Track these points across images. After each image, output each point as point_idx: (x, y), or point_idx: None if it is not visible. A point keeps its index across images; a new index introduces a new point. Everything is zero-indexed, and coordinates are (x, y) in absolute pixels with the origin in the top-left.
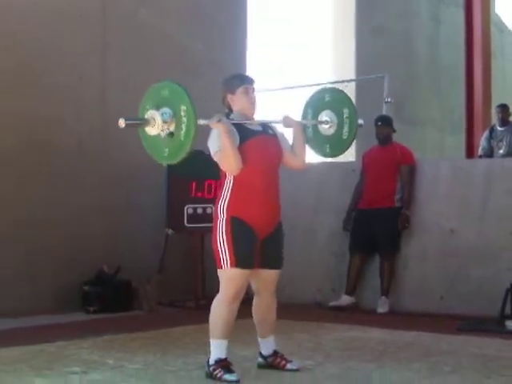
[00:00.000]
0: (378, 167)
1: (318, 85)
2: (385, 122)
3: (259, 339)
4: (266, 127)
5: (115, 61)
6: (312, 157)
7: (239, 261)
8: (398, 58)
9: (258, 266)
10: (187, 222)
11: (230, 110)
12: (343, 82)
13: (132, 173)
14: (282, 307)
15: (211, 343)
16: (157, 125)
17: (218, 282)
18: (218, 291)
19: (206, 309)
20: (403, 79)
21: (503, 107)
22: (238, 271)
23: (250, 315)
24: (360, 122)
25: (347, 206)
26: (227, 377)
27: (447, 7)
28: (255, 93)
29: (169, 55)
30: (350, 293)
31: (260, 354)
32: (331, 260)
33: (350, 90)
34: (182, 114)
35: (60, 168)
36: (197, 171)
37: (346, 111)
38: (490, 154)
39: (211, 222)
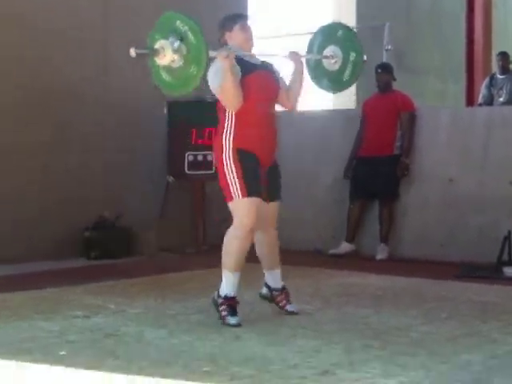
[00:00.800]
0: (379, 115)
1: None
2: (385, 70)
3: (266, 272)
4: (265, 62)
5: (117, 4)
6: (314, 104)
7: (250, 189)
8: (398, 7)
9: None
10: (188, 169)
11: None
12: None
13: (133, 120)
14: (282, 253)
15: (224, 275)
16: (167, 55)
17: (218, 229)
18: (214, 242)
19: (207, 255)
20: (404, 28)
21: (503, 55)
22: (250, 199)
23: (248, 260)
24: (364, 58)
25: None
26: (229, 319)
27: None
28: (251, 29)
29: (169, 8)
30: (349, 240)
31: (266, 284)
32: (333, 207)
33: None
34: (190, 70)
35: (60, 114)
36: (197, 118)
37: (352, 54)
38: (490, 101)
39: (212, 169)
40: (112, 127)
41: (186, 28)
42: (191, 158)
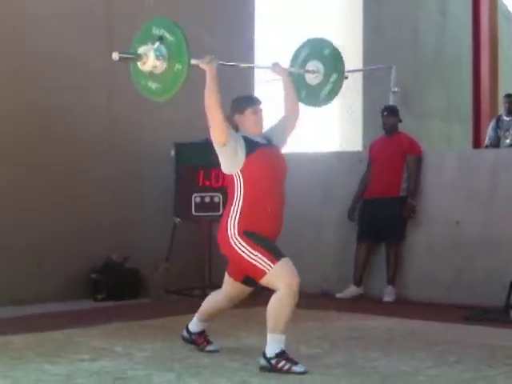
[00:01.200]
0: (385, 157)
1: None
2: (391, 112)
3: (197, 319)
4: (269, 140)
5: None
6: (319, 147)
7: (276, 253)
8: (405, 49)
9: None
10: (195, 211)
11: (237, 129)
12: (350, 71)
13: (140, 162)
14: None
15: (272, 337)
16: (149, 61)
17: (224, 270)
18: (221, 284)
19: None
20: (410, 70)
21: (510, 97)
22: (283, 262)
23: (255, 304)
24: (345, 78)
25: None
26: (296, 368)
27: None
28: (262, 113)
29: None
30: (357, 283)
31: (187, 327)
32: (338, 249)
33: (357, 80)
34: (176, 65)
35: (70, 158)
36: (204, 160)
37: (334, 76)
38: (496, 143)
39: (218, 210)
40: (119, 169)
41: (163, 30)
42: (198, 199)
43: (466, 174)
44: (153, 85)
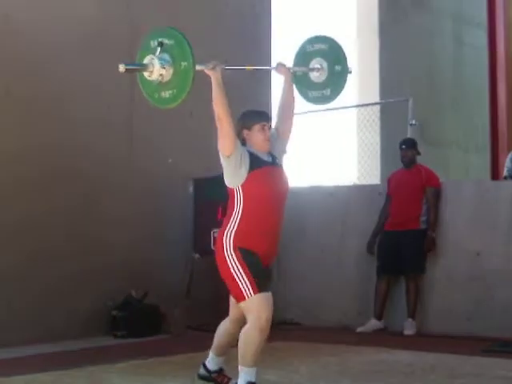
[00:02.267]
0: (404, 190)
1: (343, 108)
2: (409, 145)
3: (213, 355)
4: (274, 158)
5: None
6: (337, 181)
7: (261, 285)
8: (421, 80)
9: None
10: (213, 246)
11: (244, 144)
12: (368, 105)
13: (158, 198)
14: (309, 330)
15: (242, 370)
16: (155, 69)
17: None
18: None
19: None
20: (427, 101)
21: None
22: (262, 296)
23: (273, 338)
24: (349, 70)
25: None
26: None
27: (471, 28)
28: (271, 130)
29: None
30: (378, 317)
31: (204, 365)
32: (358, 283)
33: (375, 113)
34: (182, 72)
35: (86, 196)
36: (222, 195)
37: (328, 46)
38: None
39: None
40: (138, 205)
41: (160, 39)
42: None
43: (485, 204)
44: (166, 93)
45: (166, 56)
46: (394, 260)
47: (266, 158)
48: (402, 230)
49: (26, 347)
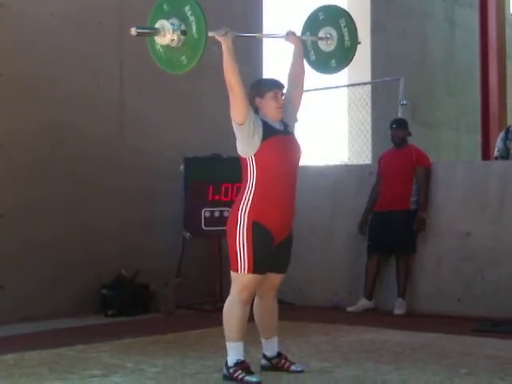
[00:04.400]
0: (394, 170)
1: (335, 87)
2: (400, 125)
3: (262, 340)
4: (286, 126)
5: (132, 67)
6: (328, 160)
7: (257, 267)
8: (413, 60)
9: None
10: (204, 225)
11: (257, 112)
12: (359, 84)
13: (150, 176)
14: (299, 310)
15: (228, 346)
16: (168, 33)
17: None
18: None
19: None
20: (418, 81)
21: None
22: (253, 277)
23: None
24: (358, 40)
25: (364, 208)
26: (249, 378)
27: (462, 8)
28: (283, 97)
29: None
30: (368, 297)
31: (263, 355)
32: (348, 263)
33: (366, 92)
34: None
35: (78, 174)
36: (214, 174)
37: (342, 20)
38: (505, 154)
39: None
40: (129, 183)
41: (193, 18)
42: (208, 214)
43: (475, 185)
44: (177, 58)
45: (179, 21)
46: (385, 239)
47: (278, 126)
48: (392, 210)
49: (15, 326)
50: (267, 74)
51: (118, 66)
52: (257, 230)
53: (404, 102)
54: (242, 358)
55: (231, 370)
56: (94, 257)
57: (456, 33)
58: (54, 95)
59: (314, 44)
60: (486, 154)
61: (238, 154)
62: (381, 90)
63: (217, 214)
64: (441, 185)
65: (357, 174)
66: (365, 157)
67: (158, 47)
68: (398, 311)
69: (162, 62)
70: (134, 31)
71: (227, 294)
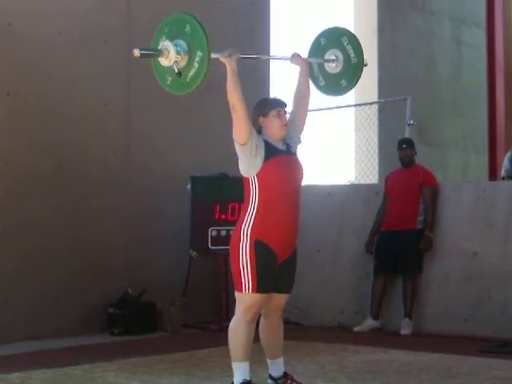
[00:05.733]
0: (401, 189)
1: (342, 107)
2: (410, 145)
3: (268, 361)
4: (289, 147)
5: (139, 86)
6: (335, 180)
7: (261, 286)
8: (420, 80)
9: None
10: (211, 245)
11: (260, 132)
12: (366, 104)
13: (156, 195)
14: (305, 329)
15: (234, 366)
16: (170, 56)
17: None
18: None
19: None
20: (425, 101)
21: None
22: (258, 296)
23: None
24: (365, 62)
25: (370, 228)
26: None
27: (469, 28)
28: (286, 115)
29: None
30: (375, 316)
31: (270, 375)
32: (355, 282)
33: (373, 112)
34: (197, 58)
35: (84, 193)
36: (221, 194)
37: (344, 39)
38: None
39: None
40: (135, 202)
41: (195, 38)
42: (214, 233)
43: (482, 205)
44: (180, 80)
45: (182, 42)
46: (391, 259)
47: (280, 146)
48: (400, 229)
49: (20, 344)
50: (273, 90)
51: (125, 85)
52: (260, 249)
53: (411, 122)
54: (248, 378)
55: None
56: (100, 275)
57: (463, 52)
58: (60, 114)
59: (322, 69)
60: (493, 174)
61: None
62: (388, 109)
63: (223, 233)
64: (448, 205)
65: (363, 194)
66: (371, 176)
67: (162, 69)
68: (404, 331)
69: (167, 84)
70: (137, 52)
71: (233, 313)
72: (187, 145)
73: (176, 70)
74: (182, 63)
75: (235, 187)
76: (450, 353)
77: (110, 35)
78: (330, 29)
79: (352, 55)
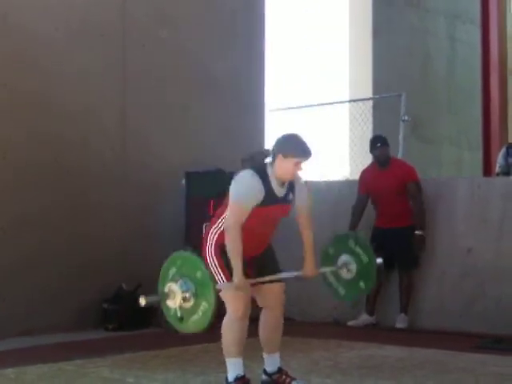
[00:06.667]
0: (386, 193)
1: (335, 103)
2: (384, 142)
3: (264, 355)
4: (288, 194)
5: (135, 81)
6: (329, 176)
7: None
8: (414, 76)
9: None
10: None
11: (274, 160)
12: (360, 100)
13: (151, 191)
14: (300, 325)
15: (227, 362)
16: (175, 300)
17: None
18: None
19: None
20: (420, 97)
21: None
22: (236, 285)
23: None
24: (379, 261)
25: (363, 223)
26: None
27: (463, 25)
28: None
29: (188, 73)
30: (370, 312)
31: (264, 370)
32: None
33: (367, 108)
34: (201, 307)
35: (79, 188)
36: (215, 189)
37: (351, 242)
38: (507, 171)
39: None
40: (130, 198)
41: (200, 289)
42: None
43: (477, 201)
44: (189, 319)
45: (191, 285)
46: (387, 256)
47: (280, 193)
48: (394, 227)
49: (15, 339)
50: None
51: (120, 80)
52: (222, 248)
53: (405, 118)
54: (242, 373)
55: None
56: (95, 270)
57: (457, 49)
58: (56, 108)
59: (338, 278)
60: (487, 170)
61: (239, 169)
62: (382, 105)
63: None
64: (442, 201)
65: (357, 189)
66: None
67: (172, 312)
68: (399, 325)
69: (170, 314)
70: (143, 301)
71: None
72: (182, 140)
73: (179, 315)
74: (187, 306)
75: (230, 182)
76: (444, 348)
77: (107, 29)
78: (336, 237)
79: (362, 255)
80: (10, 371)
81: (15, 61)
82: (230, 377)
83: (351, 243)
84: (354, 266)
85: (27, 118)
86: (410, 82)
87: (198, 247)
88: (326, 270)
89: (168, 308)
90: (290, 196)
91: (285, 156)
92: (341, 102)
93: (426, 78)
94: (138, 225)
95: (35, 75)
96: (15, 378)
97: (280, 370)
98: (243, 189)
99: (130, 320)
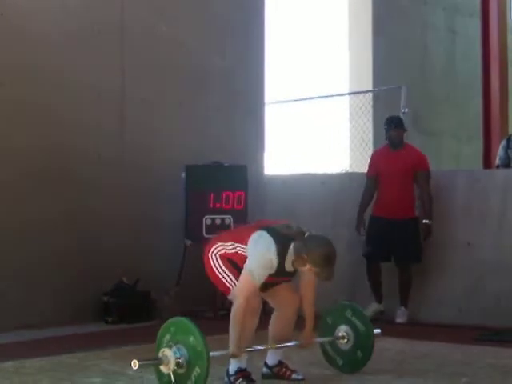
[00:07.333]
0: (395, 174)
1: (336, 95)
2: (401, 125)
3: (267, 347)
4: (294, 271)
5: (133, 77)
6: (330, 168)
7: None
8: (414, 69)
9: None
10: (206, 233)
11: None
12: (360, 92)
13: (151, 184)
14: (300, 317)
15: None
16: (169, 366)
17: None
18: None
19: (224, 319)
20: (420, 90)
21: None
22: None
23: (264, 326)
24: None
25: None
26: None
27: (463, 18)
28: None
29: (188, 69)
30: (378, 300)
31: (265, 363)
32: (349, 271)
33: (367, 101)
34: (194, 373)
35: (79, 181)
36: (215, 182)
37: (348, 312)
38: (507, 163)
39: None
40: (130, 191)
41: (193, 356)
42: (209, 221)
43: (477, 194)
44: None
45: (184, 352)
46: (386, 247)
47: (289, 268)
48: (396, 218)
49: (15, 332)
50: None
51: (119, 75)
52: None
53: (405, 111)
54: (244, 366)
55: (232, 378)
56: (95, 264)
57: (457, 42)
58: (54, 106)
59: (335, 348)
60: (487, 163)
61: (238, 162)
62: (382, 98)
63: (218, 221)
64: (442, 193)
65: (358, 182)
66: (366, 165)
67: (166, 377)
68: (399, 319)
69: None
70: (135, 364)
71: (228, 301)
72: (182, 134)
73: (173, 380)
74: (181, 371)
75: (229, 176)
76: (444, 341)
77: (104, 26)
78: (334, 306)
79: (359, 325)
80: (9, 364)
81: (11, 58)
82: (232, 369)
83: (348, 313)
84: (351, 337)
85: (24, 116)
86: (410, 74)
87: (197, 240)
88: (324, 339)
89: (162, 373)
90: (293, 273)
91: (307, 260)
92: (341, 95)
93: (426, 70)
94: (137, 218)
95: (32, 73)
96: (15, 371)
97: (281, 363)
98: (258, 264)
99: (130, 313)
